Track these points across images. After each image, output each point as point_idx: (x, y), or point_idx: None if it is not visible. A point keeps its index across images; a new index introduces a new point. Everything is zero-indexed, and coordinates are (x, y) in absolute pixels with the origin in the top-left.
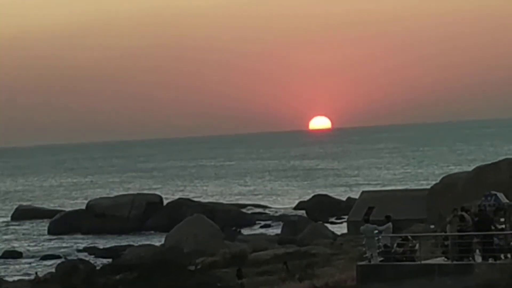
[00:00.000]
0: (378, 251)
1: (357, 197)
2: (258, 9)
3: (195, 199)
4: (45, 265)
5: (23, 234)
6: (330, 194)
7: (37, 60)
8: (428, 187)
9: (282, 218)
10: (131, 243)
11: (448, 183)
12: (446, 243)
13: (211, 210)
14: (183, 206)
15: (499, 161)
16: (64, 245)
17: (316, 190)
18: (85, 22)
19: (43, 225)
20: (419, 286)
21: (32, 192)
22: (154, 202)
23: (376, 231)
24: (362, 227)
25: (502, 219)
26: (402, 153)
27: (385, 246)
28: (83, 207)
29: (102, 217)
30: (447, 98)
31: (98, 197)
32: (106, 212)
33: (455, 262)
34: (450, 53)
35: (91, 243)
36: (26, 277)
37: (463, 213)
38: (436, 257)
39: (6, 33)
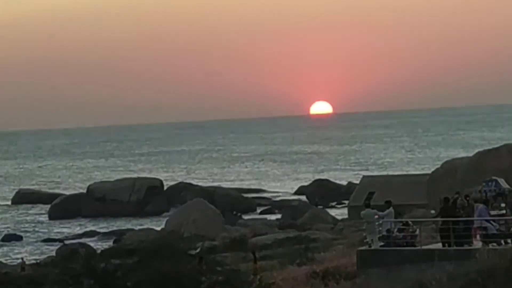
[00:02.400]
0: (378, 236)
1: (357, 182)
2: None
3: (196, 183)
4: (45, 249)
5: (24, 218)
6: (331, 179)
7: (37, 44)
8: (429, 172)
9: (282, 203)
10: (132, 227)
11: (449, 169)
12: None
13: (212, 195)
14: (184, 190)
15: (500, 147)
16: (64, 229)
17: (317, 175)
18: (82, 5)
19: (44, 209)
20: (420, 271)
21: (33, 176)
22: (154, 186)
23: (376, 216)
24: (362, 212)
25: (503, 205)
26: (403, 138)
27: (388, 231)
28: (84, 191)
29: (102, 201)
30: (449, 83)
31: (98, 181)
32: (107, 196)
33: (455, 248)
34: (452, 37)
35: (92, 227)
36: (27, 261)
37: (452, 196)
38: (437, 242)
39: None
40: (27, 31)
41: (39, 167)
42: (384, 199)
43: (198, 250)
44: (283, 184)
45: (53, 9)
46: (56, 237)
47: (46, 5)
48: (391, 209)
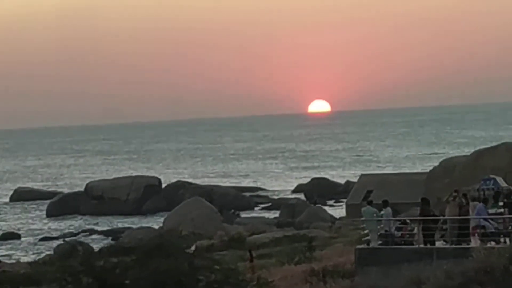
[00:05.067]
0: (378, 233)
1: (355, 180)
2: None
3: (194, 182)
4: (43, 247)
5: (22, 216)
6: (329, 178)
7: (36, 43)
8: (427, 170)
9: (280, 201)
10: (130, 225)
11: (447, 167)
12: (444, 227)
13: (210, 193)
14: (182, 189)
15: (498, 145)
16: (62, 227)
17: (315, 173)
18: (79, 3)
19: (42, 207)
20: (418, 270)
21: (31, 174)
22: (152, 185)
23: (375, 215)
24: (363, 208)
25: (501, 203)
26: (401, 136)
27: (386, 231)
28: (82, 189)
29: (100, 199)
30: (447, 81)
31: (96, 179)
32: (105, 194)
33: (453, 246)
34: (450, 35)
35: (90, 226)
36: (25, 259)
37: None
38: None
39: None
40: (25, 29)
41: (38, 165)
42: (382, 198)
43: (193, 249)
44: (281, 183)
45: (49, 8)
46: (54, 235)
47: (42, 4)
48: (388, 209)
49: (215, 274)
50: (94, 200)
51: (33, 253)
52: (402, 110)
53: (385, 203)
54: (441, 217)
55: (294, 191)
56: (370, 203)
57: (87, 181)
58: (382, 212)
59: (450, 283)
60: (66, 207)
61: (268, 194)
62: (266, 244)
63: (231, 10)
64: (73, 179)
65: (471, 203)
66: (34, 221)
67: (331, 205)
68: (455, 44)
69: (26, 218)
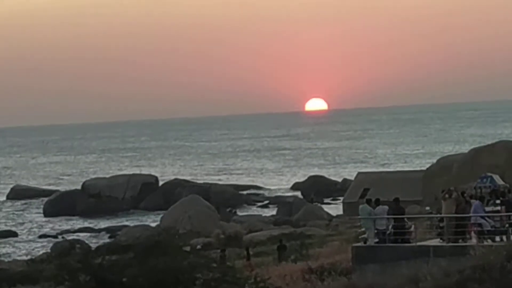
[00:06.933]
0: (375, 231)
1: (352, 178)
2: None
3: (191, 180)
4: (40, 245)
5: (19, 214)
6: (326, 175)
7: (34, 40)
8: (424, 168)
9: (277, 199)
10: (127, 223)
11: (444, 165)
12: (441, 224)
13: (207, 191)
14: (179, 187)
15: (495, 143)
16: (59, 225)
17: (312, 171)
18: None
19: (39, 205)
20: (414, 268)
21: (28, 172)
22: (149, 183)
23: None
24: (360, 206)
25: (498, 201)
26: (398, 134)
27: (380, 230)
28: (79, 187)
29: (97, 198)
30: (444, 79)
31: (93, 177)
32: (102, 193)
33: (450, 244)
34: (447, 32)
35: (87, 224)
36: (22, 257)
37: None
38: (432, 238)
39: None
40: (24, 26)
41: (35, 163)
42: (379, 196)
43: (199, 246)
44: (278, 181)
45: (47, 5)
46: (51, 233)
47: (42, 1)
48: (381, 207)
49: (212, 272)
50: (91, 198)
51: (30, 251)
52: (399, 108)
53: (377, 202)
54: (438, 215)
55: (291, 189)
56: (368, 201)
57: (84, 179)
58: (376, 210)
59: (447, 280)
60: (63, 205)
61: (265, 192)
62: (263, 242)
63: (229, 8)
64: (70, 177)
65: (471, 201)
66: (31, 219)
67: (328, 203)
68: (452, 42)
69: (23, 216)
